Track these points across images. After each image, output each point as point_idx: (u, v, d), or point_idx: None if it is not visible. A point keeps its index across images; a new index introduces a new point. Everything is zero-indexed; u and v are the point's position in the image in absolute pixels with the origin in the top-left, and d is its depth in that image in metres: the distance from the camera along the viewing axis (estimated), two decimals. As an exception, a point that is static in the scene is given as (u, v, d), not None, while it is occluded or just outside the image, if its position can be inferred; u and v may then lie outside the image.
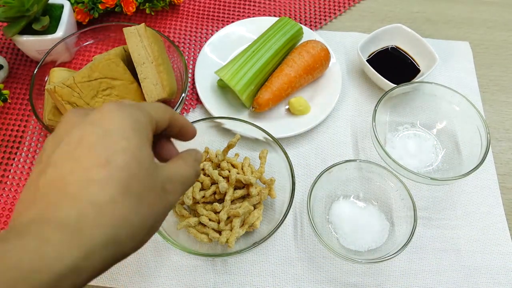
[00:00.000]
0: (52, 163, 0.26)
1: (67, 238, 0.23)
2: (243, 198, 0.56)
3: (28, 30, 0.63)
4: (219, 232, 0.53)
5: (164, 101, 0.62)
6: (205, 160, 0.58)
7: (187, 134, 0.36)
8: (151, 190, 0.27)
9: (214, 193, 0.55)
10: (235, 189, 0.55)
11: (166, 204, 0.29)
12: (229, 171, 0.54)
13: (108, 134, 0.27)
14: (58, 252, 0.23)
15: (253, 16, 0.79)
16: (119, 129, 0.27)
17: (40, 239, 0.23)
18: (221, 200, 0.55)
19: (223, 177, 0.55)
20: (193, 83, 0.69)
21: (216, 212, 0.54)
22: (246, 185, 0.55)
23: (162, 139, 0.35)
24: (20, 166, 0.61)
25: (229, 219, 0.54)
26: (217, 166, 0.57)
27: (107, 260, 0.25)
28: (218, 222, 0.53)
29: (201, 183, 0.55)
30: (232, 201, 0.54)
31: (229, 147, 0.55)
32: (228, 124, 0.59)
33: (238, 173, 0.56)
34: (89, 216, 0.24)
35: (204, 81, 0.68)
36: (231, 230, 0.52)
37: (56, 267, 0.22)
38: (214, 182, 0.56)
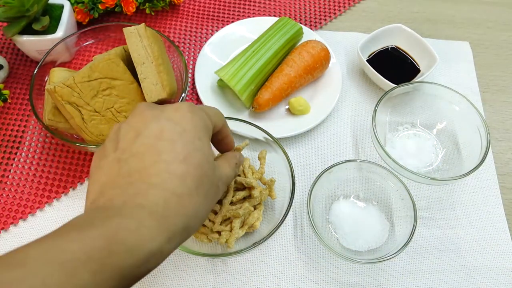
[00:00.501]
0: (134, 153, 0.30)
1: (156, 224, 0.27)
2: (244, 198, 0.56)
3: (28, 30, 0.63)
4: (219, 233, 0.53)
5: (164, 101, 0.62)
6: None
7: (226, 145, 0.41)
8: (213, 186, 0.31)
9: None
10: (236, 190, 0.55)
11: (216, 200, 0.33)
12: None
13: (185, 132, 0.30)
14: (151, 235, 0.26)
15: (253, 16, 0.79)
16: (194, 129, 0.31)
17: (139, 222, 0.26)
18: (220, 201, 0.55)
19: None
20: (193, 83, 0.69)
21: (216, 213, 0.54)
22: (247, 187, 0.55)
23: None
24: (20, 166, 0.61)
25: (229, 220, 0.54)
26: None
27: (179, 245, 0.29)
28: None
29: None
30: (232, 202, 0.54)
31: (237, 150, 0.55)
32: (228, 124, 0.59)
33: (239, 175, 0.56)
34: (172, 205, 0.28)
35: (204, 81, 0.68)
36: (230, 231, 0.52)
37: (149, 246, 0.26)
38: None
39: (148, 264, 0.26)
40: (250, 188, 0.54)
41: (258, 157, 0.56)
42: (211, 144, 0.37)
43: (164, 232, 0.27)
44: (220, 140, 0.39)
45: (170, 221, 0.27)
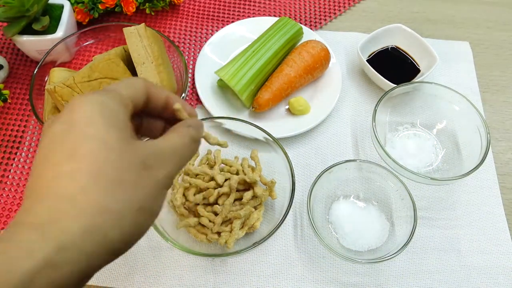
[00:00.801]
0: (32, 170, 0.27)
1: (36, 236, 0.23)
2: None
3: (28, 30, 0.63)
4: (219, 234, 0.53)
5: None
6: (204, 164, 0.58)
7: (172, 113, 0.33)
8: (128, 170, 0.26)
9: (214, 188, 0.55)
10: (240, 191, 0.55)
11: (153, 181, 0.27)
12: (230, 178, 0.54)
13: (74, 125, 0.26)
14: (27, 251, 0.22)
15: (253, 16, 0.79)
16: (85, 117, 0.26)
17: (8, 241, 0.23)
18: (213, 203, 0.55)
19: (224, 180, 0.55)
20: (193, 83, 0.69)
21: (217, 214, 0.54)
22: (250, 186, 0.55)
23: (149, 118, 0.34)
24: (20, 166, 0.61)
25: (229, 221, 0.54)
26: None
27: (92, 251, 0.24)
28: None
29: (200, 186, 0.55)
30: (233, 201, 0.54)
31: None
32: (228, 124, 0.59)
33: (237, 173, 0.56)
34: (62, 210, 0.24)
35: (204, 81, 0.68)
36: (230, 232, 0.52)
37: (26, 265, 0.22)
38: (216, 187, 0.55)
39: (35, 283, 0.22)
40: (252, 186, 0.54)
41: (251, 157, 0.56)
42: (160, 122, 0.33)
43: (48, 241, 0.23)
44: (164, 107, 0.33)
45: (57, 228, 0.23)
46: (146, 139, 0.34)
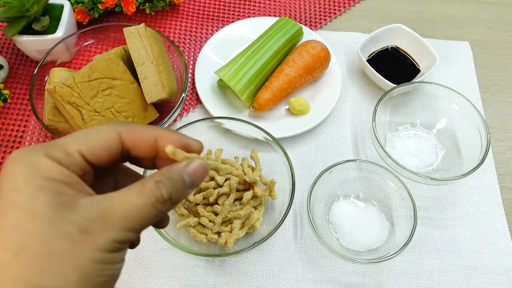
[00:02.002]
0: None
1: None
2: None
3: (28, 30, 0.63)
4: (219, 234, 0.53)
5: (164, 101, 0.62)
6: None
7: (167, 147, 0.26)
8: (58, 240, 0.23)
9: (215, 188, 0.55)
10: (240, 191, 0.55)
11: (93, 247, 0.23)
12: (230, 178, 0.54)
13: (2, 190, 0.24)
14: None
15: (253, 16, 0.79)
16: (11, 183, 0.23)
17: None
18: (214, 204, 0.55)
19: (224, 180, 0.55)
20: (193, 83, 0.69)
21: (217, 214, 0.54)
22: (250, 186, 0.55)
23: (121, 168, 0.30)
24: (20, 166, 0.61)
25: (229, 221, 0.54)
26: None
27: None
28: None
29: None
30: (233, 201, 0.54)
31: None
32: (228, 124, 0.59)
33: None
34: None
35: (204, 81, 0.68)
36: (230, 232, 0.52)
37: None
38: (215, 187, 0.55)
39: None
40: (252, 186, 0.54)
41: (251, 157, 0.56)
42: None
43: None
44: (150, 153, 0.27)
45: None
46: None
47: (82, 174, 0.25)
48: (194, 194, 0.54)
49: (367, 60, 0.70)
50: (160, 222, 0.31)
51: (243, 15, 0.79)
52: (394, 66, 0.71)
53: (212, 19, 0.78)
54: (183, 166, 0.26)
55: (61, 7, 0.66)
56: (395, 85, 0.63)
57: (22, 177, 0.23)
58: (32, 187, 0.23)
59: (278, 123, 0.65)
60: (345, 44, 0.75)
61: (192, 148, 0.28)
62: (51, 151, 0.25)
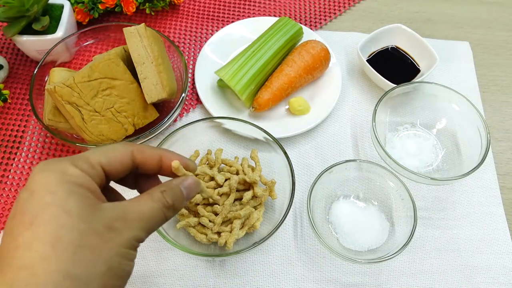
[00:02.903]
0: (1, 238, 0.27)
1: None
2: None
3: (28, 30, 0.63)
4: (219, 233, 0.53)
5: (164, 101, 0.62)
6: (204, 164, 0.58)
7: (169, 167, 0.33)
8: (89, 234, 0.26)
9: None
10: (240, 191, 0.55)
11: (118, 243, 0.27)
12: (230, 178, 0.54)
13: (32, 194, 0.27)
14: None
15: (253, 16, 0.79)
16: (44, 186, 0.27)
17: None
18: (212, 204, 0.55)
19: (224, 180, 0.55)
20: (193, 83, 0.69)
21: (217, 214, 0.54)
22: (250, 186, 0.55)
23: (142, 177, 0.35)
24: (20, 166, 0.61)
25: (229, 221, 0.54)
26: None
27: None
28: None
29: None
30: (233, 201, 0.54)
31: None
32: (228, 124, 0.59)
33: (238, 174, 0.56)
34: (22, 280, 0.24)
35: (204, 81, 0.68)
36: (230, 232, 0.52)
37: None
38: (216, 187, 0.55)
39: None
40: (252, 186, 0.54)
41: (251, 157, 0.56)
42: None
43: None
44: (155, 169, 0.33)
45: None
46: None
47: (100, 184, 0.30)
48: None
49: (367, 60, 0.70)
50: None
51: (243, 15, 0.79)
52: (394, 66, 0.71)
53: (212, 19, 0.78)
54: (181, 180, 0.33)
55: (61, 7, 0.66)
56: (395, 85, 0.63)
57: (54, 181, 0.27)
58: (64, 189, 0.27)
59: (278, 123, 0.65)
60: (345, 44, 0.75)
61: (189, 167, 0.34)
62: (77, 162, 0.29)
